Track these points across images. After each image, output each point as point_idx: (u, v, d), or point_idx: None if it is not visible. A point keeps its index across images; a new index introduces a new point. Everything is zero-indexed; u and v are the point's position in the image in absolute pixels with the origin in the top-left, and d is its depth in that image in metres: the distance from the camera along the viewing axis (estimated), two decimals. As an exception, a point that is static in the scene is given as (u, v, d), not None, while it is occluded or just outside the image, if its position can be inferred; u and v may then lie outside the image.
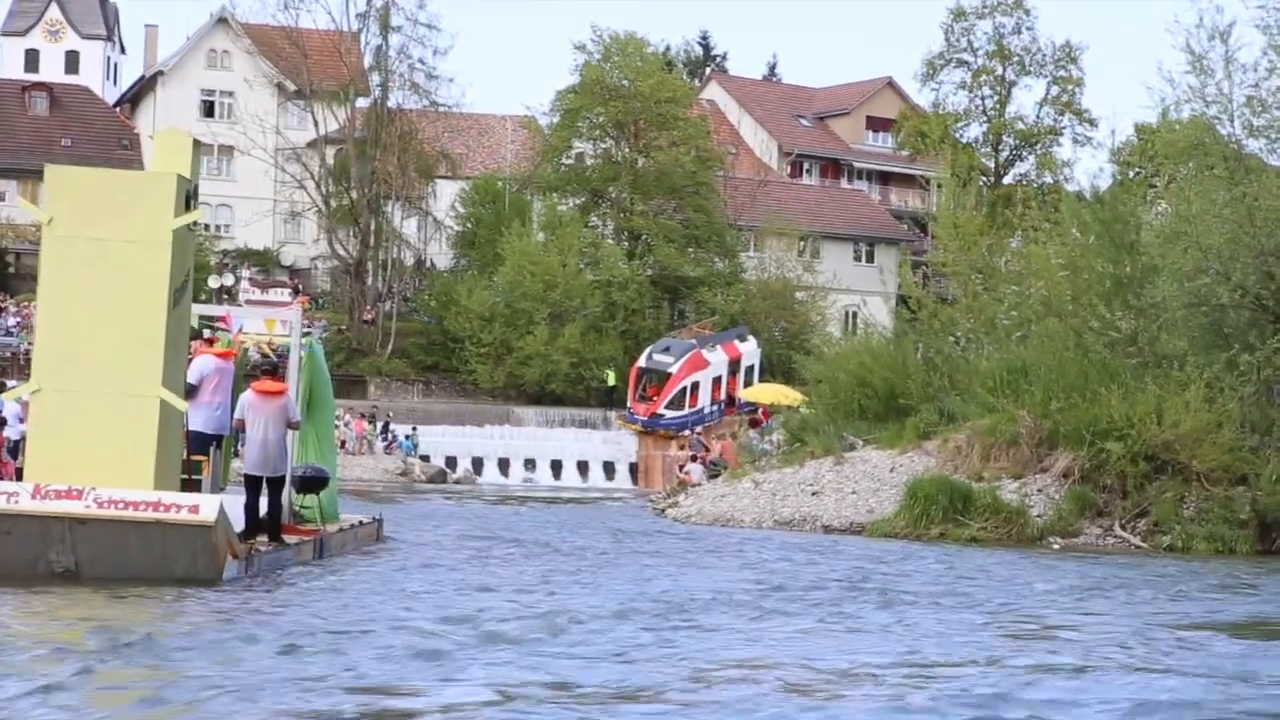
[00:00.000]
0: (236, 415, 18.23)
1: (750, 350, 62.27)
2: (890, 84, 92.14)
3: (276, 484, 18.20)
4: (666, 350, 59.67)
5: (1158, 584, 20.10)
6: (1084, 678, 11.32)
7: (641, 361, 60.02)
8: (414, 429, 58.57)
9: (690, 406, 57.91)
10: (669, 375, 58.11)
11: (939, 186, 55.69)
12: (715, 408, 58.56)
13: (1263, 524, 27.33)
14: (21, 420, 19.80)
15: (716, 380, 59.28)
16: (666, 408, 57.47)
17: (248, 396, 18.09)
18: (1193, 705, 10.11)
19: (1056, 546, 26.92)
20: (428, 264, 74.93)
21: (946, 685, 10.70)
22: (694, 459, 44.18)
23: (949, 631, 14.08)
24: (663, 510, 34.72)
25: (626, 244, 72.28)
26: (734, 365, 60.60)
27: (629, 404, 59.24)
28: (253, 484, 17.99)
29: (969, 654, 12.44)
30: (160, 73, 77.06)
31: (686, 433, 54.36)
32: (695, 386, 58.35)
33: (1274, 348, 28.88)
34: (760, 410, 48.85)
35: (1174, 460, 28.08)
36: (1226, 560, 25.25)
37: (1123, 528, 27.80)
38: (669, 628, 13.81)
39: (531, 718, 9.17)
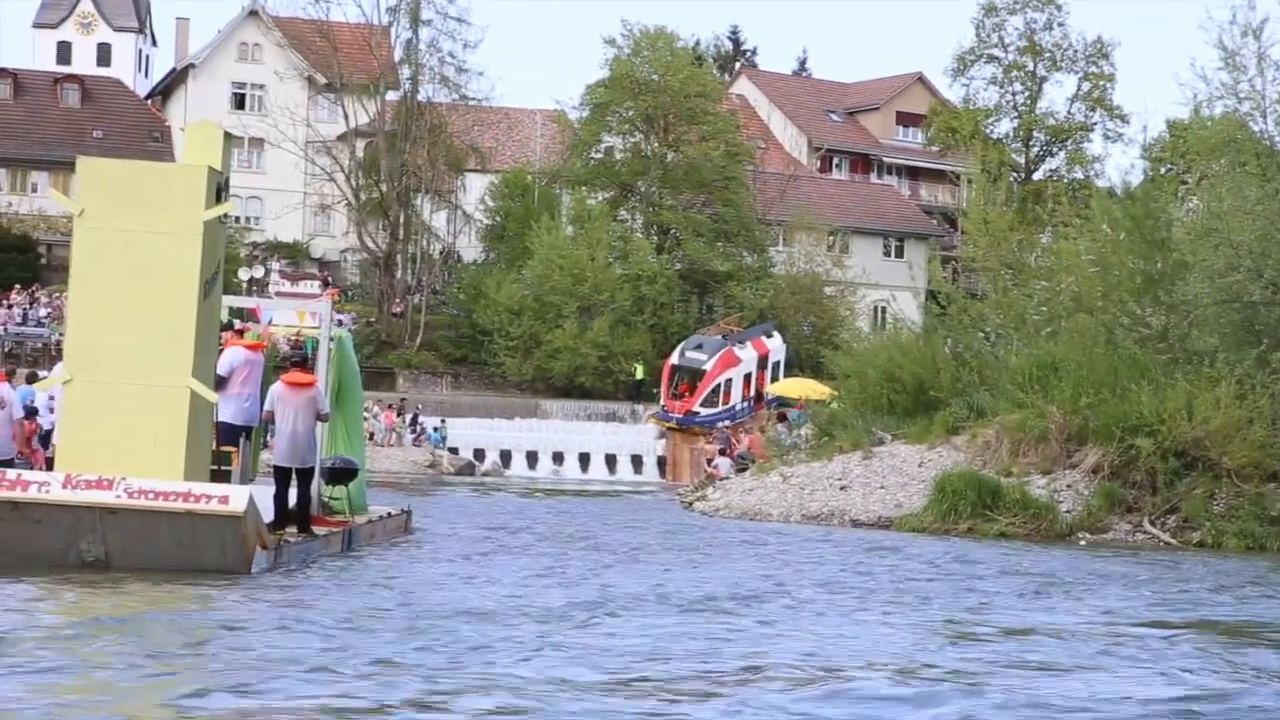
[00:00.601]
0: (266, 407, 18.29)
1: (777, 346, 62.21)
2: (921, 79, 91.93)
3: (305, 475, 18.25)
4: (699, 348, 59.46)
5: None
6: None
7: (674, 359, 59.73)
8: (443, 421, 58.62)
9: (724, 404, 57.82)
10: (703, 372, 57.96)
11: (969, 182, 55.50)
12: (745, 404, 58.46)
13: (1293, 521, 27.21)
14: (52, 410, 19.88)
15: (747, 377, 59.23)
16: (701, 405, 57.33)
17: (277, 388, 18.16)
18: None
19: (1083, 543, 26.85)
20: (456, 257, 75.03)
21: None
22: (722, 453, 44.19)
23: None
24: (690, 504, 34.71)
25: (655, 238, 72.24)
26: (763, 361, 60.53)
27: (663, 402, 58.89)
28: (282, 475, 18.06)
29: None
30: (191, 65, 77.31)
31: (720, 426, 54.28)
32: (728, 383, 58.27)
33: (1305, 345, 28.77)
34: (798, 403, 48.67)
35: (1204, 457, 27.96)
36: (1253, 557, 25.15)
37: (1152, 524, 27.70)
38: (703, 620, 13.83)
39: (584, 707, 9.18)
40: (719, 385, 57.85)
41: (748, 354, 59.71)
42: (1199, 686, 10.87)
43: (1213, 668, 11.94)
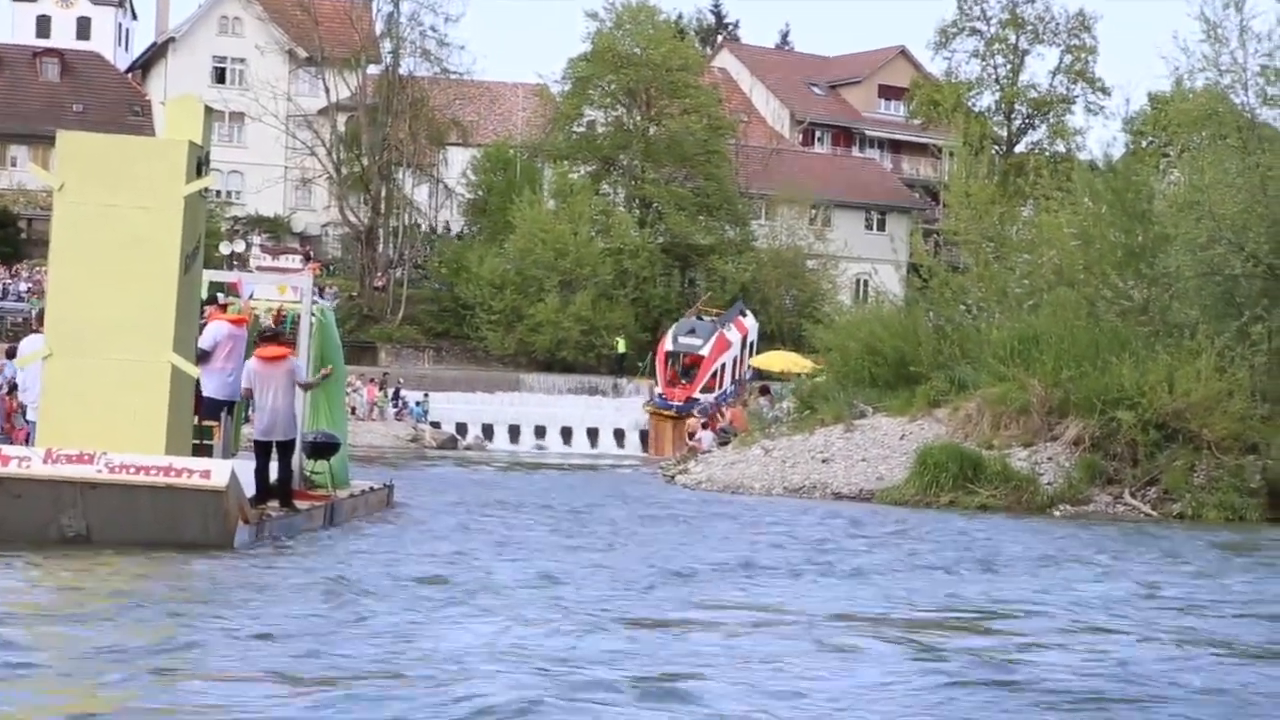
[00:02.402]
0: (244, 384, 18.23)
1: (752, 324, 62.17)
2: (903, 52, 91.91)
3: (286, 449, 18.20)
4: (693, 333, 58.90)
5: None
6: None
7: (668, 345, 59.03)
8: (425, 396, 58.62)
9: (717, 387, 57.54)
10: (700, 358, 57.62)
11: (951, 155, 55.51)
12: (734, 385, 58.37)
13: (1273, 492, 27.32)
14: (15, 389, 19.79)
15: (735, 359, 59.15)
16: (700, 391, 56.92)
17: (252, 364, 18.04)
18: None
19: (1058, 514, 26.93)
20: (444, 229, 74.95)
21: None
22: (705, 426, 44.22)
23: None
24: (673, 477, 34.75)
25: (637, 212, 72.21)
26: (744, 341, 60.53)
27: (659, 390, 58.14)
28: (262, 450, 18.05)
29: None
30: (172, 39, 77.05)
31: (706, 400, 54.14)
32: (722, 368, 58.01)
33: (1286, 317, 28.86)
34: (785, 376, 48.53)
35: (1185, 429, 28.05)
36: (1235, 527, 25.27)
37: (1133, 495, 27.80)
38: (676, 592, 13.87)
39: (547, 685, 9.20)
40: (716, 370, 57.61)
41: (734, 336, 59.66)
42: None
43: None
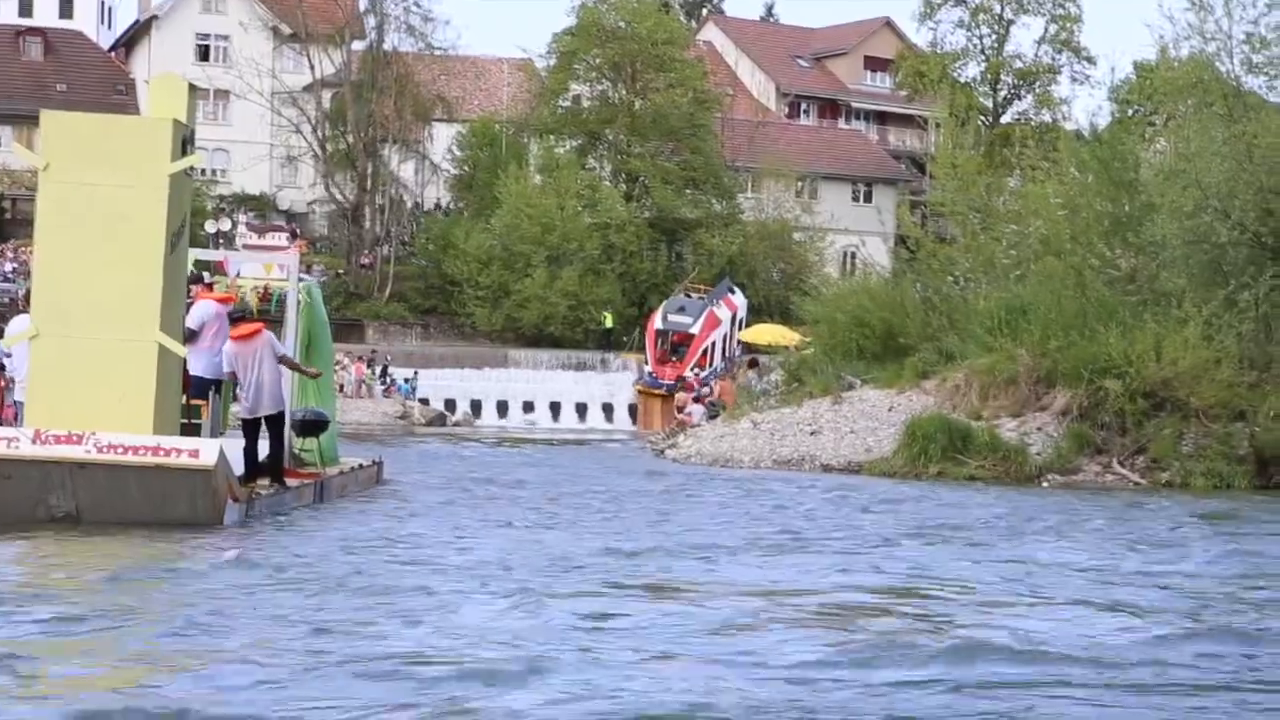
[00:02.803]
0: (226, 368, 18.20)
1: (740, 301, 62.07)
2: (888, 24, 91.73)
3: (276, 423, 18.17)
4: (682, 310, 58.55)
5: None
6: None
7: (657, 323, 58.71)
8: (415, 373, 58.59)
9: (708, 365, 57.35)
10: (691, 336, 57.44)
11: (937, 126, 55.49)
12: (724, 363, 58.31)
13: (1260, 459, 27.40)
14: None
15: (725, 336, 59.05)
16: (691, 369, 56.76)
17: (229, 347, 17.94)
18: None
19: (1045, 485, 26.98)
20: (434, 205, 74.82)
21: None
22: (696, 400, 44.26)
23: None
24: (662, 451, 34.80)
25: (624, 186, 72.11)
26: (733, 318, 60.45)
27: (649, 368, 57.90)
28: (250, 428, 18.03)
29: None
30: (155, 17, 76.72)
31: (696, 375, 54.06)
32: (713, 345, 57.82)
33: (1272, 284, 28.88)
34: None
35: (1172, 397, 28.12)
36: (1222, 495, 25.35)
37: (1121, 464, 27.87)
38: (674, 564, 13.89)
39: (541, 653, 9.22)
40: (706, 348, 57.42)
41: (724, 313, 59.54)
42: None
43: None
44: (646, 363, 58.04)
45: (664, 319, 58.10)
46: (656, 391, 55.73)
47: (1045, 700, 8.39)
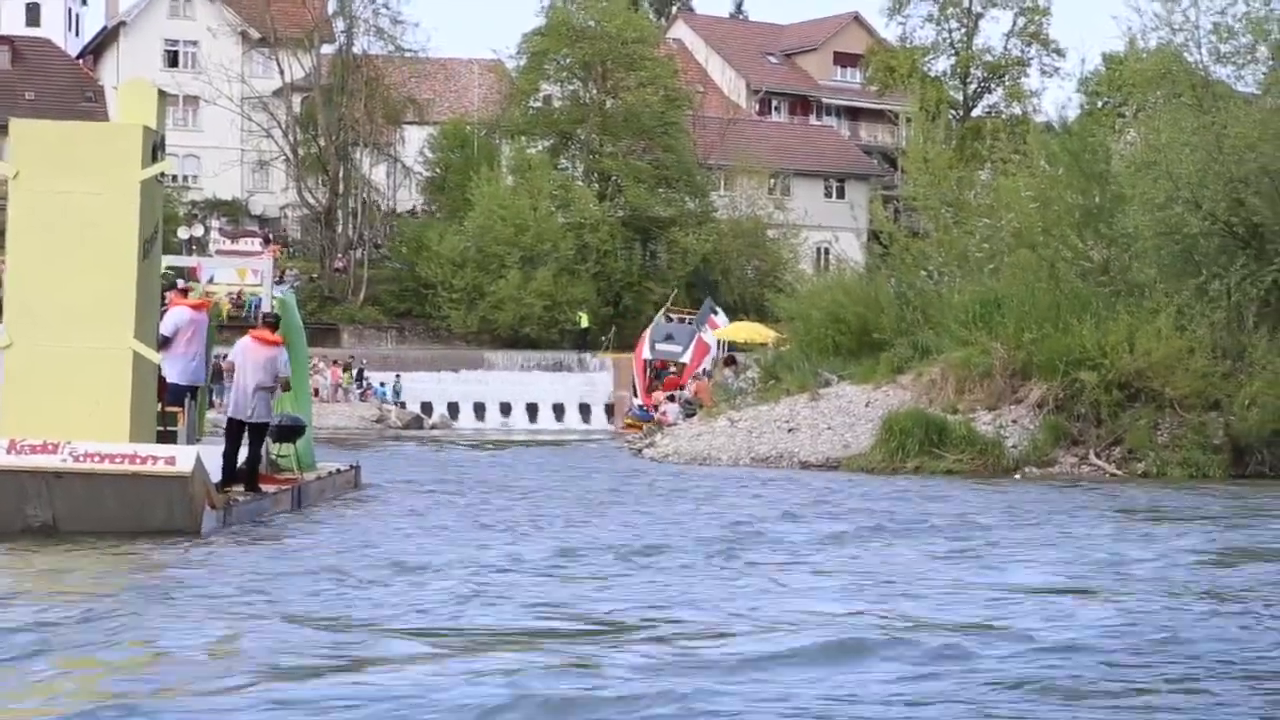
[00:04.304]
0: (230, 358, 18.42)
1: (723, 321, 61.11)
2: (857, 19, 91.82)
3: (258, 432, 18.24)
4: (670, 338, 57.03)
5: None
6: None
7: (645, 353, 56.99)
8: (397, 377, 58.44)
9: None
10: (682, 365, 56.50)
11: (908, 121, 55.51)
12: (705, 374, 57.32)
13: (1236, 448, 27.53)
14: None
15: (714, 360, 58.16)
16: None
17: (244, 341, 18.36)
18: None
19: (1018, 477, 27.03)
20: (411, 211, 74.69)
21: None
22: (671, 399, 44.22)
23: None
24: (639, 450, 34.79)
25: (596, 186, 72.08)
26: (719, 343, 59.69)
27: (639, 400, 56.41)
28: (233, 430, 18.07)
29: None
30: (123, 23, 76.45)
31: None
32: (704, 372, 56.74)
33: (1243, 273, 28.98)
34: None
35: (1147, 388, 28.22)
36: (1198, 484, 25.45)
37: (1097, 456, 27.96)
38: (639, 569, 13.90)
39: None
40: (697, 376, 56.35)
41: (711, 339, 58.63)
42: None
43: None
44: (636, 395, 56.30)
45: (651, 349, 55.65)
46: (649, 424, 54.54)
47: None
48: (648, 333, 56.70)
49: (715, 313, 60.82)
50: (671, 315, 60.56)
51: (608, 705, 7.86)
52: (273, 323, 18.80)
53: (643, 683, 8.44)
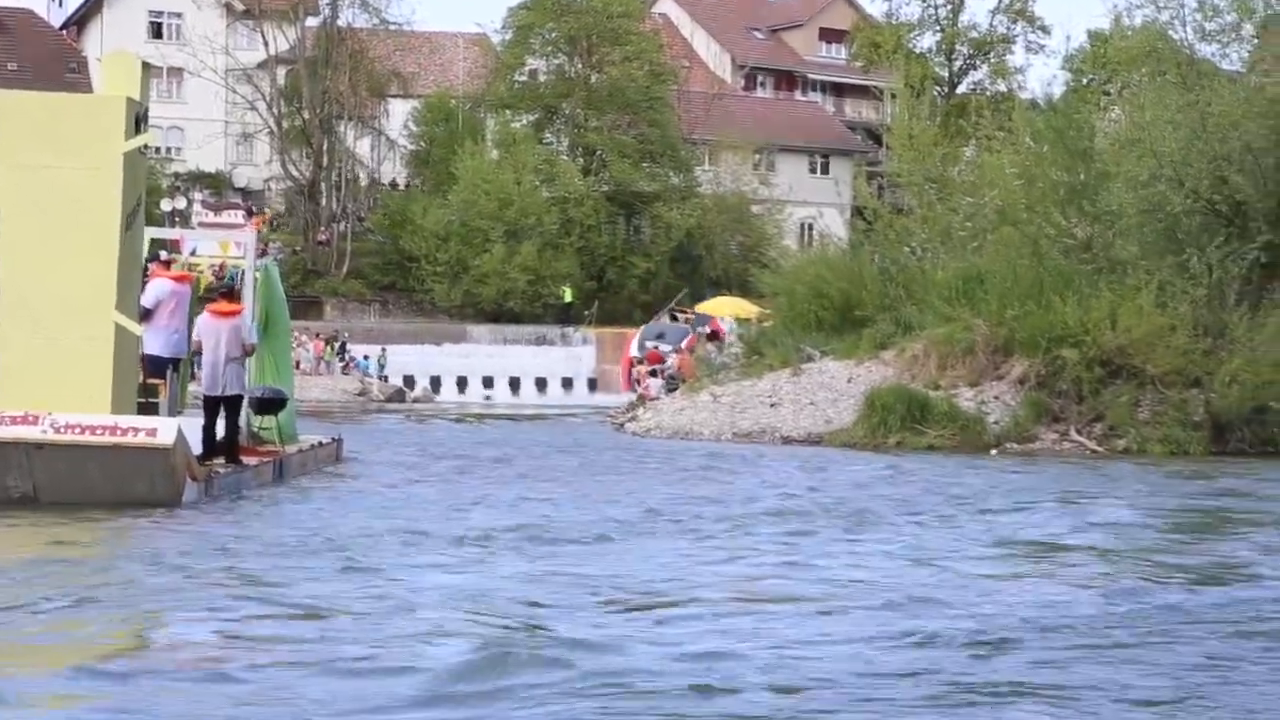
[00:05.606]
0: (195, 337, 18.28)
1: (729, 326, 60.09)
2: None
3: (233, 404, 18.19)
4: (661, 337, 56.14)
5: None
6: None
7: (634, 350, 56.18)
8: (383, 350, 58.38)
9: None
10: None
11: (893, 97, 55.51)
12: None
13: (1216, 425, 27.63)
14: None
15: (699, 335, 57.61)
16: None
17: (203, 318, 18.17)
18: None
19: (994, 453, 27.10)
20: (393, 181, 74.54)
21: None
22: (652, 374, 44.25)
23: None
24: (622, 425, 34.82)
25: (581, 160, 72.01)
26: (720, 345, 58.71)
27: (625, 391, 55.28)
28: (210, 405, 18.03)
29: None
30: (106, -6, 76.18)
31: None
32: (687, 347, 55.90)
33: (1225, 251, 29.05)
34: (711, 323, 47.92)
35: (1128, 365, 28.30)
36: (1178, 461, 25.55)
37: (1078, 432, 28.05)
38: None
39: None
40: (679, 350, 55.66)
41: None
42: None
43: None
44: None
45: (640, 347, 53.94)
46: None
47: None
48: (639, 332, 55.80)
49: (723, 318, 59.87)
50: (677, 314, 60.00)
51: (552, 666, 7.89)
52: (227, 291, 18.65)
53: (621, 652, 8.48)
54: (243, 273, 20.68)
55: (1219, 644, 9.16)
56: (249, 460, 18.58)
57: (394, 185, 75.68)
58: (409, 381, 57.61)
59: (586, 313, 65.06)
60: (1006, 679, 8.08)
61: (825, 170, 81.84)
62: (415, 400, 55.16)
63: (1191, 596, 10.88)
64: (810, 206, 76.80)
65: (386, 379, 56.93)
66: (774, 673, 8.12)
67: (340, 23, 70.57)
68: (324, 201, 71.02)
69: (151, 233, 20.50)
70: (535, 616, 9.68)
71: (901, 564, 12.56)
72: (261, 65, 70.83)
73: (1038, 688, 7.87)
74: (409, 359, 59.14)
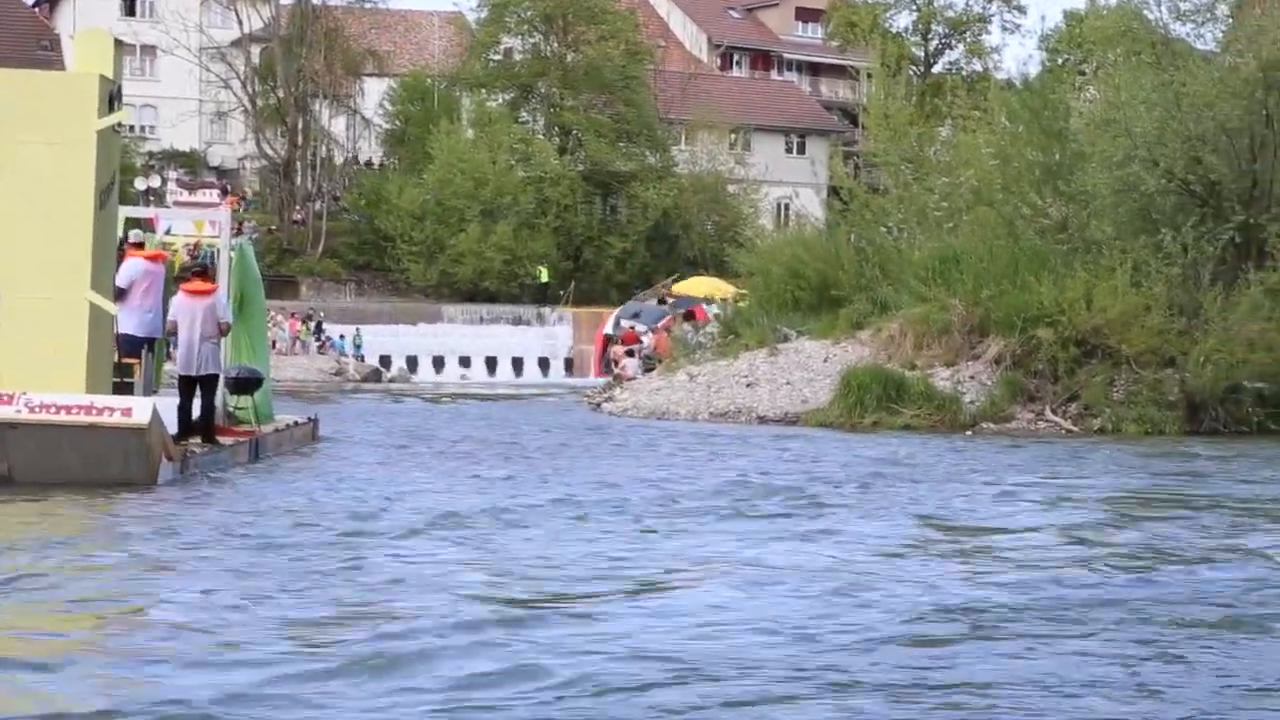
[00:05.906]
0: (170, 317, 18.20)
1: (715, 311, 59.61)
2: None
3: (209, 384, 18.13)
4: (636, 316, 55.50)
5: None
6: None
7: (608, 328, 55.67)
8: (358, 331, 58.22)
9: None
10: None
11: (869, 77, 55.50)
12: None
13: (1191, 405, 27.75)
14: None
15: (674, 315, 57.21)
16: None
17: (177, 298, 18.10)
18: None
19: (969, 433, 27.15)
20: (368, 160, 74.35)
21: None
22: (629, 354, 44.24)
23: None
24: (598, 405, 34.82)
25: (557, 140, 71.85)
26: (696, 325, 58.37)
27: (596, 376, 54.77)
28: (185, 385, 17.97)
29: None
30: (79, -29, 75.73)
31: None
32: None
33: (1200, 231, 29.14)
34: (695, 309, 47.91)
35: (1103, 344, 28.40)
36: (1153, 440, 25.65)
37: (1054, 412, 28.13)
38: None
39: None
40: (655, 329, 55.11)
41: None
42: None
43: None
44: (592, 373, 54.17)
45: (615, 326, 52.52)
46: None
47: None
48: (616, 312, 55.17)
49: (710, 302, 59.59)
50: (668, 298, 59.44)
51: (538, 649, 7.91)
52: (201, 271, 18.56)
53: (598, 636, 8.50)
54: (217, 252, 20.61)
55: (1161, 630, 9.17)
56: (225, 440, 18.54)
57: (369, 164, 75.48)
58: (385, 361, 57.49)
59: (563, 292, 64.97)
60: (949, 665, 8.09)
61: (801, 150, 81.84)
62: (391, 380, 55.06)
63: (1146, 581, 10.94)
64: (786, 186, 76.75)
65: (363, 359, 56.80)
66: (683, 660, 8.14)
67: (315, 1, 70.27)
68: (299, 181, 70.74)
69: (126, 211, 20.44)
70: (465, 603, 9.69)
71: (847, 547, 12.53)
72: (236, 43, 70.51)
73: (984, 674, 7.89)
74: (385, 339, 59.00)
